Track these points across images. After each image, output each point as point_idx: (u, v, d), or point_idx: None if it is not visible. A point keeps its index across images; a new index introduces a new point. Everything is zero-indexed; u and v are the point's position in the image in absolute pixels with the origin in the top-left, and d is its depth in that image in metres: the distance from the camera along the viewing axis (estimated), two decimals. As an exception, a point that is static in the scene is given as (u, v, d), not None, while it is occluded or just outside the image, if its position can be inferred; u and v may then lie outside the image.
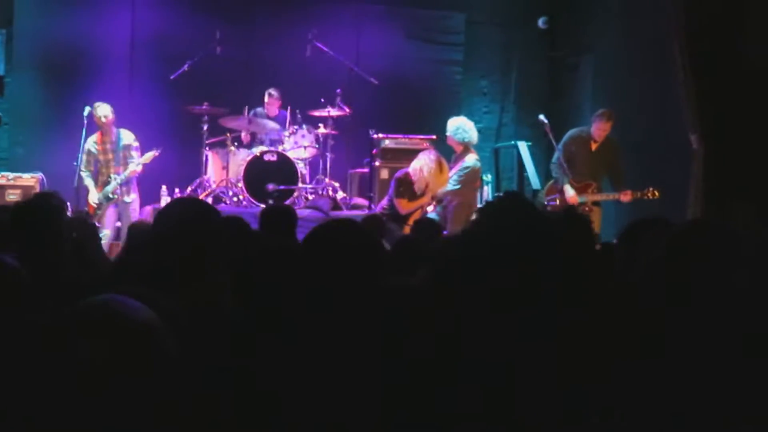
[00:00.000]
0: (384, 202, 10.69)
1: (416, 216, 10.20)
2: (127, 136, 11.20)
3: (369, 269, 2.77)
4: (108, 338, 1.57)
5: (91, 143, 11.05)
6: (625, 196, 10.40)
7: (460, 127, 10.91)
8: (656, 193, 10.23)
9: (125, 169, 11.06)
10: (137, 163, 11.09)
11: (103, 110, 10.95)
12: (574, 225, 3.34)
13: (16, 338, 2.51)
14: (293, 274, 2.87)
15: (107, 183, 11.08)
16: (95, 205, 11.04)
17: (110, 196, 11.07)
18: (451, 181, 10.60)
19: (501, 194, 10.64)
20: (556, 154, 10.80)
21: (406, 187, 10.37)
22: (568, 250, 2.70)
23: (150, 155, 11.12)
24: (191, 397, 1.79)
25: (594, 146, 10.70)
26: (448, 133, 10.91)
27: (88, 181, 11.04)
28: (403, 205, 10.37)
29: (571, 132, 10.97)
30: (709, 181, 9.42)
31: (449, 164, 10.69)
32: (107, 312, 1.61)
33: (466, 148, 10.85)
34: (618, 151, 10.78)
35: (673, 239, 2.43)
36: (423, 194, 10.40)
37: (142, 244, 3.59)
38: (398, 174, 10.55)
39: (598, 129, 10.62)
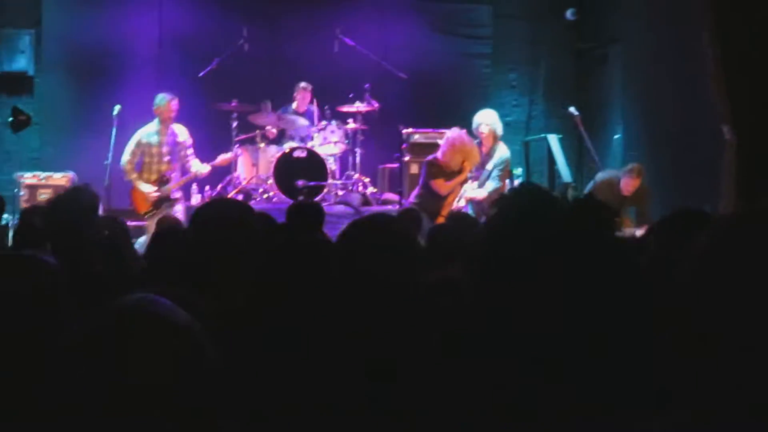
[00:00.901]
0: (413, 194, 10.56)
1: (455, 194, 10.15)
2: (183, 133, 11.09)
3: (407, 265, 2.75)
4: (143, 339, 1.54)
5: (145, 134, 10.88)
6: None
7: (496, 119, 10.80)
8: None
9: (180, 168, 10.95)
10: (210, 164, 11.05)
11: (172, 101, 10.84)
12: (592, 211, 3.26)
13: (54, 339, 2.50)
14: (327, 272, 2.84)
15: (161, 181, 10.94)
16: (152, 199, 10.85)
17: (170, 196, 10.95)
18: (492, 179, 10.52)
19: (517, 186, 10.53)
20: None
21: (438, 169, 10.20)
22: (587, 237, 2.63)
23: (225, 158, 11.11)
24: (227, 401, 1.76)
25: (625, 194, 10.49)
26: (481, 127, 10.72)
27: (135, 176, 10.89)
28: (441, 186, 10.13)
29: (601, 175, 10.76)
30: (741, 172, 9.31)
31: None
32: (141, 313, 1.59)
33: (497, 140, 10.76)
34: (648, 196, 10.54)
35: (720, 232, 2.37)
36: (460, 171, 10.25)
37: (175, 243, 3.58)
38: (427, 159, 10.42)
39: (627, 185, 10.36)
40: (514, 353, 2.22)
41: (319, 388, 2.39)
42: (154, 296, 1.64)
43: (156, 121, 10.92)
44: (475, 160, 10.27)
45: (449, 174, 10.22)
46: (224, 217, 3.15)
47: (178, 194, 11.07)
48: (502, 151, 10.70)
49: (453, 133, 10.23)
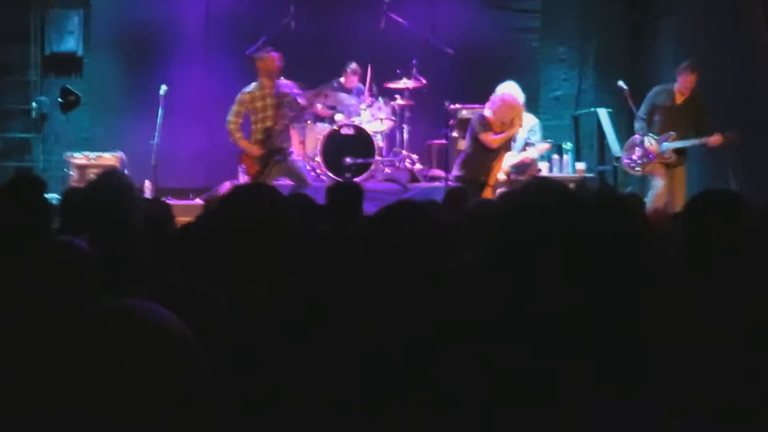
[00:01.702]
0: (457, 162, 10.31)
1: (501, 157, 10.06)
2: (288, 84, 10.76)
3: (435, 251, 2.71)
4: (124, 348, 1.49)
5: (247, 92, 10.56)
6: (715, 139, 10.06)
7: (519, 90, 10.68)
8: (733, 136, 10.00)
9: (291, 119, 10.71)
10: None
11: (273, 54, 10.56)
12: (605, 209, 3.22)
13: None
14: (354, 262, 2.82)
15: (267, 136, 10.51)
16: (258, 158, 10.47)
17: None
18: (532, 145, 10.57)
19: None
20: (641, 109, 10.55)
21: (486, 125, 9.99)
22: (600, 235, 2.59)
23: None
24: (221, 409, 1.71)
25: (679, 99, 10.42)
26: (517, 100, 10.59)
27: (238, 135, 10.53)
28: (490, 140, 9.83)
29: (657, 87, 10.72)
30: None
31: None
32: (126, 319, 1.54)
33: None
34: (704, 104, 10.46)
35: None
36: (511, 125, 10.02)
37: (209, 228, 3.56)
38: (475, 115, 10.19)
39: (685, 81, 10.33)
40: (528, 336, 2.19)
41: (335, 381, 2.36)
42: (140, 300, 1.59)
43: (258, 80, 10.60)
44: (521, 118, 10.07)
45: (497, 129, 9.97)
46: (251, 207, 3.11)
47: (286, 143, 10.66)
48: (529, 122, 10.84)
49: (504, 89, 10.00)
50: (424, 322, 2.41)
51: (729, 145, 10.10)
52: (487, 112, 9.91)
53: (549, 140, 11.60)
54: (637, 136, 10.59)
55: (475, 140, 9.91)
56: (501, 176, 10.43)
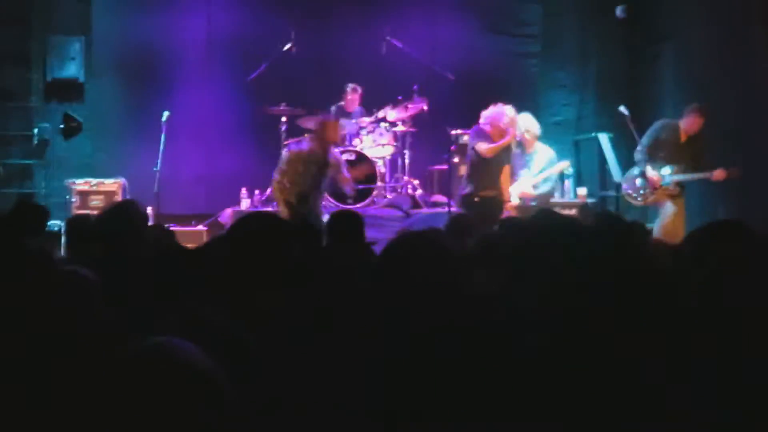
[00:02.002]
0: (462, 186, 10.31)
1: (506, 168, 10.02)
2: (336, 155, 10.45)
3: (449, 279, 2.71)
4: (161, 388, 1.50)
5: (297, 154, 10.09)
6: (719, 174, 10.10)
7: (533, 121, 10.83)
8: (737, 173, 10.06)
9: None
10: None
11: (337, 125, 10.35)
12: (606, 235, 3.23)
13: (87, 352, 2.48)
14: (365, 292, 2.82)
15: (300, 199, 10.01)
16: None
17: None
18: (546, 182, 10.60)
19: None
20: (643, 140, 10.59)
21: (482, 135, 9.86)
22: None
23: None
24: None
25: (684, 138, 10.44)
26: (524, 134, 10.68)
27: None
28: (485, 149, 9.74)
29: (662, 121, 10.73)
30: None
31: (518, 160, 10.58)
32: (161, 359, 1.55)
33: (536, 140, 10.79)
34: (706, 141, 10.49)
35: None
36: (506, 134, 9.88)
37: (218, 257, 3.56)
38: (471, 130, 10.14)
39: (692, 123, 10.30)
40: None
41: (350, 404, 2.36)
42: (174, 340, 1.60)
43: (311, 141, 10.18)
44: (515, 125, 10.03)
45: (495, 138, 9.95)
46: (257, 237, 3.12)
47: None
48: (547, 152, 10.87)
49: (493, 110, 10.02)
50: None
51: (731, 180, 10.13)
52: (483, 124, 9.94)
53: (568, 159, 11.66)
54: (638, 167, 10.63)
55: (475, 153, 9.91)
56: (515, 200, 10.46)
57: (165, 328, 2.06)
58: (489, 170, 9.89)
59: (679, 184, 10.43)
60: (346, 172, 10.38)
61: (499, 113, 9.83)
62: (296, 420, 2.36)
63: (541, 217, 2.81)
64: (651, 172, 10.40)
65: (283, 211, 9.89)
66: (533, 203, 10.77)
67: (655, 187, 10.39)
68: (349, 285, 3.07)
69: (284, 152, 10.25)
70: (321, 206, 10.30)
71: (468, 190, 9.92)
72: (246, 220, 3.42)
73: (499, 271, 2.96)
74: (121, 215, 4.49)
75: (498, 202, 9.89)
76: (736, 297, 2.51)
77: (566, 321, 2.40)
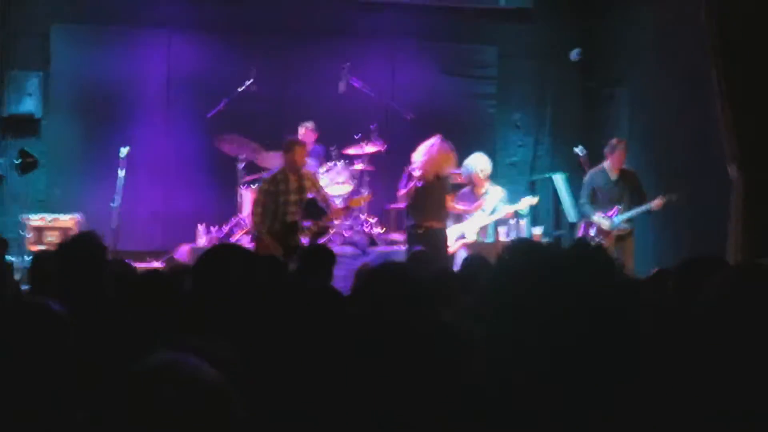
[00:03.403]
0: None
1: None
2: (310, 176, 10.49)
3: (419, 308, 2.75)
4: (176, 402, 1.51)
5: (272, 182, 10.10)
6: (657, 203, 10.54)
7: (487, 161, 11.01)
8: (674, 198, 10.48)
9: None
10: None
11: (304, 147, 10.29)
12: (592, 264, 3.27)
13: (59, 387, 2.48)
14: (339, 321, 2.84)
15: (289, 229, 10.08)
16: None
17: None
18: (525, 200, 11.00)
19: (510, 244, 10.66)
20: (581, 197, 10.90)
21: (409, 179, 10.12)
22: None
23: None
24: None
25: (613, 176, 10.81)
26: (479, 173, 10.85)
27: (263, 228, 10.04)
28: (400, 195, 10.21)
29: (588, 172, 11.13)
30: (748, 212, 9.30)
31: (470, 199, 10.73)
32: (176, 373, 1.56)
33: (487, 180, 10.96)
34: (637, 176, 10.95)
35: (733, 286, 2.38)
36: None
37: (185, 291, 3.56)
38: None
39: (619, 156, 10.80)
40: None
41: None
42: (181, 355, 1.61)
43: (282, 167, 10.16)
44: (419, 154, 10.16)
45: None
46: (226, 268, 3.15)
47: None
48: (498, 193, 11.10)
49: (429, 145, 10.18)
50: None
51: (671, 204, 10.43)
52: (418, 167, 10.06)
53: (534, 195, 11.82)
54: (585, 219, 10.92)
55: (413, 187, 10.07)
56: (472, 237, 10.61)
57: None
58: (429, 202, 10.01)
59: (629, 222, 10.67)
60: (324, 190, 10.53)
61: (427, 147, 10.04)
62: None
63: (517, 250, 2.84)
64: (599, 219, 10.64)
65: (272, 246, 9.83)
66: (488, 240, 10.91)
67: (607, 232, 10.60)
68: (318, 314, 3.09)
69: (258, 186, 10.22)
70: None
71: (411, 222, 10.07)
72: (214, 251, 3.45)
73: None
74: (81, 248, 4.45)
75: (441, 233, 10.01)
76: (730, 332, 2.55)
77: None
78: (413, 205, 10.08)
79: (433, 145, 10.07)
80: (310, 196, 10.30)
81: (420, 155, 10.06)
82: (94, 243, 4.34)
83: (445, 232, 10.19)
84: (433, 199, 10.03)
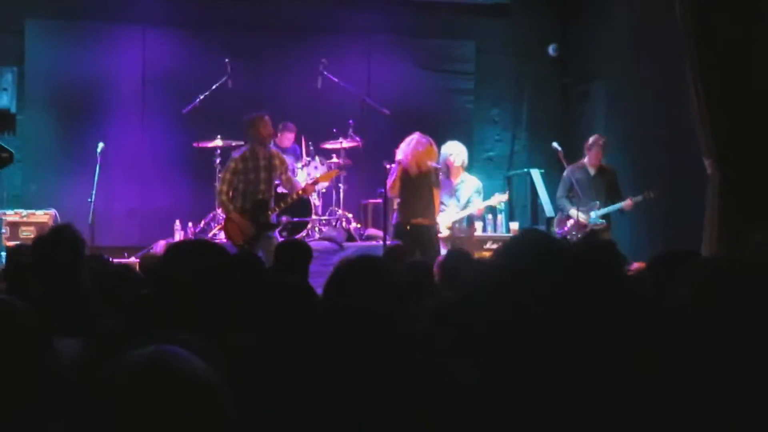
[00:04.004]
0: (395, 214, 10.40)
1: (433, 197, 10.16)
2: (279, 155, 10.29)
3: (394, 300, 2.75)
4: (166, 396, 1.49)
5: (240, 159, 9.96)
6: (627, 204, 10.75)
7: (464, 150, 10.99)
8: (651, 195, 10.64)
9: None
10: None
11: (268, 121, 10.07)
12: (600, 254, 3.28)
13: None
14: (314, 315, 2.83)
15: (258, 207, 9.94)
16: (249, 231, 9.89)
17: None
18: (471, 204, 10.80)
19: (520, 232, 10.72)
20: (559, 191, 10.96)
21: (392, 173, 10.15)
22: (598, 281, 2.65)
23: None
24: None
25: (592, 172, 10.91)
26: (454, 157, 10.83)
27: (231, 207, 9.92)
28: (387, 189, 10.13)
29: (567, 168, 11.14)
30: (724, 206, 9.34)
31: (446, 188, 10.70)
32: (164, 366, 1.53)
33: (462, 169, 10.95)
34: (615, 173, 11.11)
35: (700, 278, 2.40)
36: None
37: (160, 288, 3.54)
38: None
39: (597, 154, 10.97)
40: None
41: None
42: (171, 347, 1.58)
43: (248, 145, 10.04)
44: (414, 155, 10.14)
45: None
46: (202, 262, 3.13)
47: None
48: (474, 183, 11.03)
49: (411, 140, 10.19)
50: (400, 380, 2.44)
51: (643, 203, 10.52)
52: (402, 158, 10.06)
53: (506, 191, 11.81)
54: (563, 213, 10.99)
55: (401, 183, 10.06)
56: (446, 231, 10.60)
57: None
58: (417, 198, 10.01)
59: (605, 218, 10.75)
60: (293, 175, 10.45)
61: (406, 143, 10.04)
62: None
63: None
64: (576, 213, 10.71)
65: (241, 224, 9.82)
66: (462, 235, 10.91)
67: (583, 226, 10.66)
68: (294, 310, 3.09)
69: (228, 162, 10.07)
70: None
71: (399, 219, 10.05)
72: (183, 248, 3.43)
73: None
74: (59, 241, 4.41)
75: (430, 229, 10.02)
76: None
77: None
78: (401, 202, 10.09)
79: (412, 140, 10.09)
80: (276, 182, 10.24)
81: (401, 152, 10.07)
82: (71, 236, 4.30)
83: (434, 228, 10.18)
84: (422, 195, 10.03)
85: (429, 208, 10.07)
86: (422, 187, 10.04)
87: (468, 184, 10.92)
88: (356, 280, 2.77)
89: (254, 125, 9.94)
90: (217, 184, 10.76)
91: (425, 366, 2.44)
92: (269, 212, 10.05)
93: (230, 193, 9.87)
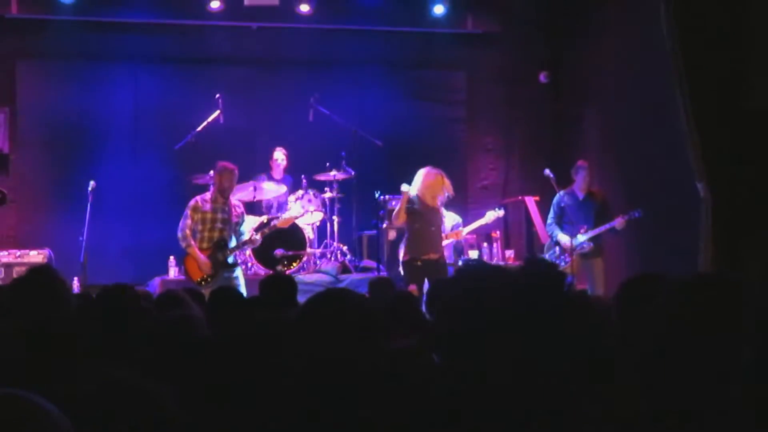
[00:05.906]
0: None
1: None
2: (239, 207, 10.56)
3: (365, 337, 2.72)
4: None
5: (201, 202, 10.27)
6: (620, 222, 10.56)
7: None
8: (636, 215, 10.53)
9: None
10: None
11: (233, 172, 10.28)
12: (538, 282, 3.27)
13: None
14: (288, 348, 2.81)
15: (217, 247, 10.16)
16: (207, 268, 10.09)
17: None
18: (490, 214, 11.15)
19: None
20: (549, 218, 10.95)
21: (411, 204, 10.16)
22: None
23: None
24: None
25: (581, 196, 10.91)
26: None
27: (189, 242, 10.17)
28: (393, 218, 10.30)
29: (558, 194, 11.14)
30: (718, 229, 9.33)
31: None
32: (11, 411, 1.51)
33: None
34: (605, 197, 11.06)
35: (671, 300, 2.38)
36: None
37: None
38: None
39: (585, 177, 10.94)
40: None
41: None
42: (24, 392, 1.56)
43: (213, 190, 10.29)
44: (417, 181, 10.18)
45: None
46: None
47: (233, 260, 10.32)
48: (455, 218, 11.25)
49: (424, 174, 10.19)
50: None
51: (636, 221, 10.46)
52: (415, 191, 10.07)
53: (499, 209, 11.76)
54: (552, 239, 10.98)
55: (408, 220, 10.07)
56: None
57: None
58: (428, 233, 10.02)
59: (593, 241, 10.66)
60: (253, 232, 10.47)
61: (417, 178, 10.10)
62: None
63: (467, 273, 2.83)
64: (563, 238, 10.69)
65: (200, 262, 10.02)
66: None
67: (570, 250, 10.62)
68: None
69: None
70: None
71: (409, 255, 10.02)
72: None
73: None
74: (37, 282, 4.37)
75: (441, 264, 10.01)
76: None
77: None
78: (410, 238, 10.08)
79: (423, 174, 10.09)
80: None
81: (414, 186, 10.06)
82: (49, 277, 4.27)
83: (443, 259, 10.20)
84: (432, 230, 10.06)
85: (437, 242, 10.10)
86: (433, 221, 10.07)
87: (447, 219, 10.90)
88: (325, 315, 2.74)
89: (219, 174, 10.24)
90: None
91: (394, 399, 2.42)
92: (227, 252, 10.13)
93: (188, 231, 10.13)
